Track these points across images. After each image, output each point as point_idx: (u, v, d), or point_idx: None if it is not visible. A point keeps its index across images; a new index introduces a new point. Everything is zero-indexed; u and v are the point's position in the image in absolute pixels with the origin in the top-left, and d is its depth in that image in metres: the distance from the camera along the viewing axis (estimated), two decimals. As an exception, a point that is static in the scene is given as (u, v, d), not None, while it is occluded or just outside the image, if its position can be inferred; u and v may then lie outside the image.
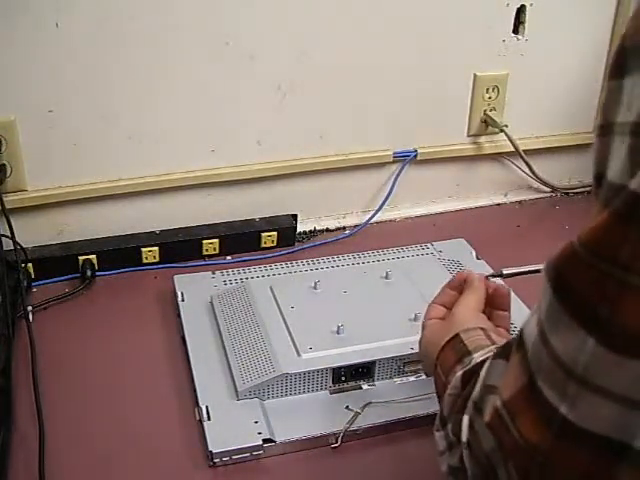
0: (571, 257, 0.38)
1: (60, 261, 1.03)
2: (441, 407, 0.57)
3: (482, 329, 0.63)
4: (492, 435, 0.44)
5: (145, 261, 1.07)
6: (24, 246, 0.99)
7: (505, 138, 1.21)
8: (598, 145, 0.41)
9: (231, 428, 0.77)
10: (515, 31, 1.17)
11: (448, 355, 0.61)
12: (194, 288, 0.98)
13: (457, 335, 0.62)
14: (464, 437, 0.49)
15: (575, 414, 0.39)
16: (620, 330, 0.36)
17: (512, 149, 1.22)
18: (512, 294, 0.72)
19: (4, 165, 0.98)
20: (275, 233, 1.12)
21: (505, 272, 0.74)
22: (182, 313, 0.94)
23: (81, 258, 1.03)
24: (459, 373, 0.56)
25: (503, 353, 0.48)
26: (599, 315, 0.37)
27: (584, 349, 0.37)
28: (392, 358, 0.84)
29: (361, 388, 0.84)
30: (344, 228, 1.20)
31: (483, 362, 0.52)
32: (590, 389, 0.38)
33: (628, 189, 0.37)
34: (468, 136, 1.23)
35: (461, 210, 1.26)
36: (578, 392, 0.38)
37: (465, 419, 0.50)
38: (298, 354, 0.84)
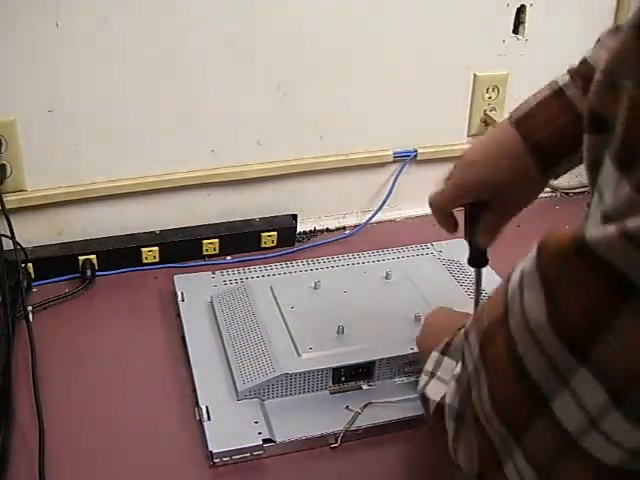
0: (555, 249, 0.43)
1: (60, 261, 1.03)
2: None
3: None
4: (479, 350, 0.50)
5: (145, 261, 1.07)
6: (24, 246, 0.99)
7: (505, 138, 1.21)
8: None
9: (231, 428, 0.77)
10: (515, 31, 1.17)
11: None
12: (194, 288, 0.98)
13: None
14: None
15: (527, 358, 0.44)
16: (561, 314, 0.42)
17: (512, 149, 1.22)
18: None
19: (4, 165, 0.98)
20: (275, 233, 1.12)
21: None
22: (182, 313, 0.94)
23: (81, 258, 1.03)
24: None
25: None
26: (556, 291, 0.43)
27: (540, 312, 0.43)
28: (392, 358, 0.84)
29: (361, 388, 0.84)
30: (344, 228, 1.20)
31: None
32: (538, 345, 0.43)
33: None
34: (468, 136, 1.23)
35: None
36: (531, 344, 0.44)
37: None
38: (298, 354, 0.84)
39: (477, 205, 0.76)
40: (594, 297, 0.40)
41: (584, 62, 0.69)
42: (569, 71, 0.70)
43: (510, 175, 0.71)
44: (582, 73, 0.68)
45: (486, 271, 0.80)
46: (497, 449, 0.50)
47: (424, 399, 0.63)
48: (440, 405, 0.59)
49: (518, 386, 0.46)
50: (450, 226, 0.79)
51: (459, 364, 0.56)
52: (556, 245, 0.42)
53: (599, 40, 0.66)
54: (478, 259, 0.79)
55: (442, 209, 0.77)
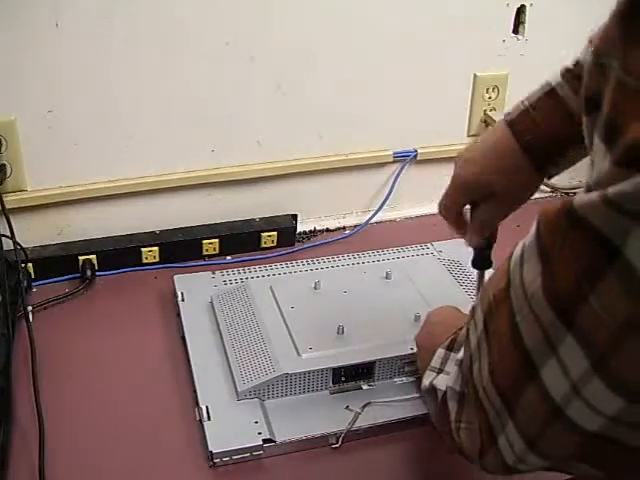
0: (550, 219, 0.45)
1: (60, 261, 1.03)
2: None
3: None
4: (483, 323, 0.53)
5: (145, 261, 1.07)
6: (24, 246, 0.99)
7: (505, 138, 1.21)
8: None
9: (231, 428, 0.77)
10: (515, 31, 1.17)
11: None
12: (194, 288, 0.98)
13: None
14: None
15: (522, 327, 0.47)
16: (554, 282, 0.44)
17: (512, 149, 1.21)
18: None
19: (4, 165, 0.98)
20: (275, 233, 1.12)
21: None
22: (182, 313, 0.94)
23: (81, 258, 1.03)
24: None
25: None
26: (550, 260, 0.44)
27: (536, 281, 0.45)
28: (392, 358, 0.84)
29: (361, 388, 0.84)
30: (344, 228, 1.20)
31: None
32: (533, 313, 0.46)
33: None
34: (468, 136, 1.23)
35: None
36: (527, 313, 0.46)
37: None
38: (298, 354, 0.84)
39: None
40: (582, 261, 0.41)
41: (577, 64, 0.69)
42: (561, 72, 0.71)
43: (505, 173, 0.72)
44: (574, 73, 0.69)
45: (487, 273, 0.80)
46: (492, 425, 0.51)
47: (431, 392, 0.63)
48: (445, 393, 0.60)
49: (514, 355, 0.48)
50: (460, 226, 0.79)
51: (462, 349, 0.57)
52: (550, 213, 0.44)
53: (590, 41, 0.66)
54: (482, 261, 0.79)
55: (448, 211, 0.78)
